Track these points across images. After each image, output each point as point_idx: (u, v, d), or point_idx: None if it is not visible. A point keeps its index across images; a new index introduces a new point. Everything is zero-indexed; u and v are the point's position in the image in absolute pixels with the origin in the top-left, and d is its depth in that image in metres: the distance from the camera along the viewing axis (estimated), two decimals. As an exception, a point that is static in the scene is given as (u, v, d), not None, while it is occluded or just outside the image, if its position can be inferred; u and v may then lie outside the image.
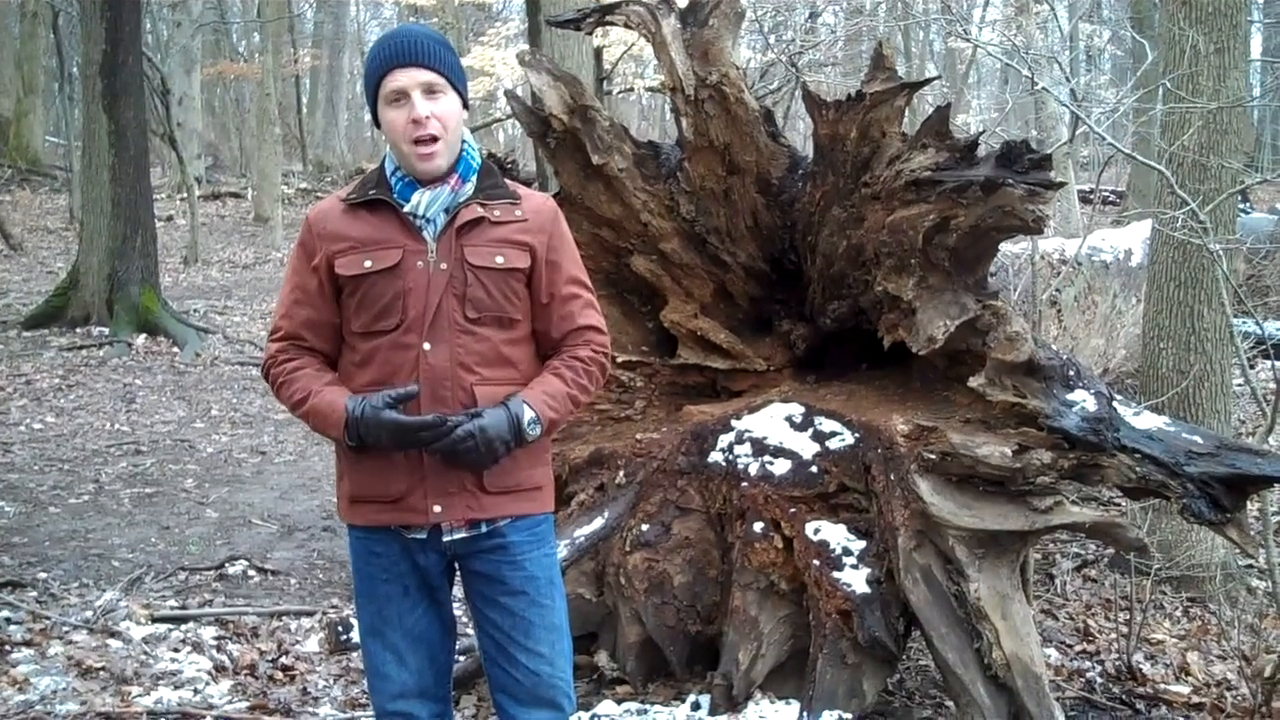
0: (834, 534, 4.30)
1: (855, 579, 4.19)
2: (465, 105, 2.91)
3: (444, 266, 2.82)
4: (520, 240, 2.89)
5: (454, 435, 2.71)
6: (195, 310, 15.38)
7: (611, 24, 5.07)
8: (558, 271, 2.94)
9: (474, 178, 2.91)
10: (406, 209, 2.85)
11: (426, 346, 2.80)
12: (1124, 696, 4.70)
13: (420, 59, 2.79)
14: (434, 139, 2.80)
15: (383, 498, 2.85)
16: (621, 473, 4.66)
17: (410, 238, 2.84)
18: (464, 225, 2.85)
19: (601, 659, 4.53)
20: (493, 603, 2.93)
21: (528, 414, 2.80)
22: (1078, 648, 5.22)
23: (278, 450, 9.11)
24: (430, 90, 2.80)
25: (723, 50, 4.70)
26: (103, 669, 4.73)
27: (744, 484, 4.47)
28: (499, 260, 2.85)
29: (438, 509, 2.83)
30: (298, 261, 2.93)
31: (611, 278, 5.09)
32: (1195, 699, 4.68)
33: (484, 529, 2.88)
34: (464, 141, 2.91)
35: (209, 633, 5.22)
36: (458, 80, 2.87)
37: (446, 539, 2.87)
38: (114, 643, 5.04)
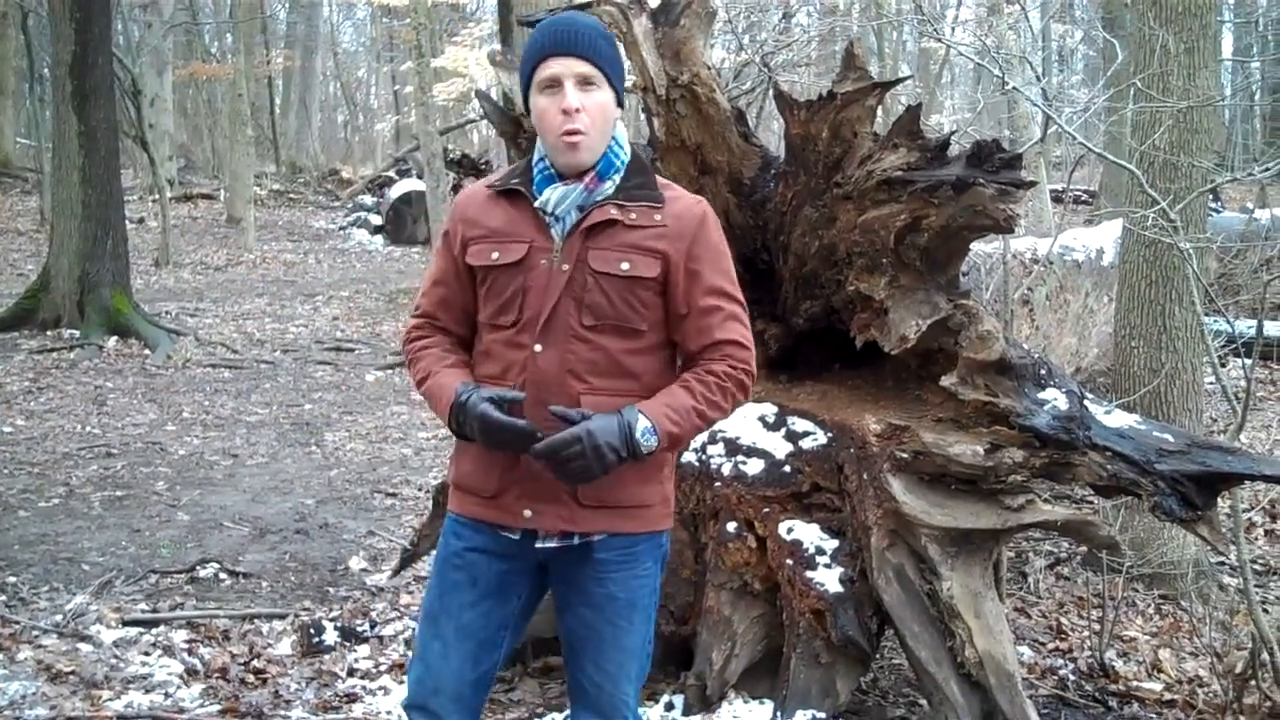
0: (807, 534, 4.30)
1: (828, 578, 4.19)
2: (620, 103, 2.81)
3: (565, 268, 2.73)
4: (653, 248, 2.75)
5: (559, 438, 2.59)
6: (167, 312, 15.30)
7: (583, 23, 5.05)
8: (696, 281, 2.77)
9: (616, 177, 2.79)
10: (537, 204, 2.77)
11: (537, 349, 2.71)
12: (1097, 694, 4.72)
13: (578, 49, 2.71)
14: (581, 131, 2.71)
15: (480, 492, 2.81)
16: (595, 473, 4.65)
17: (540, 234, 2.76)
18: (593, 226, 2.75)
19: (575, 660, 4.51)
20: (570, 609, 2.87)
21: (641, 423, 2.64)
22: (1050, 645, 5.24)
23: (250, 453, 9.06)
24: (585, 81, 2.71)
25: (694, 50, 4.69)
26: (73, 673, 4.69)
27: (717, 484, 4.46)
28: (624, 267, 2.73)
29: (528, 514, 2.75)
30: (442, 242, 2.90)
31: (584, 278, 5.07)
32: (1167, 696, 4.71)
33: (576, 541, 2.79)
34: (612, 138, 2.80)
35: (180, 636, 5.19)
36: (614, 75, 2.77)
37: (539, 545, 2.79)
38: (84, 647, 5.01)
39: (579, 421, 2.61)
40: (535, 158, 2.83)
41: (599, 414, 2.64)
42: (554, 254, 2.74)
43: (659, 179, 2.89)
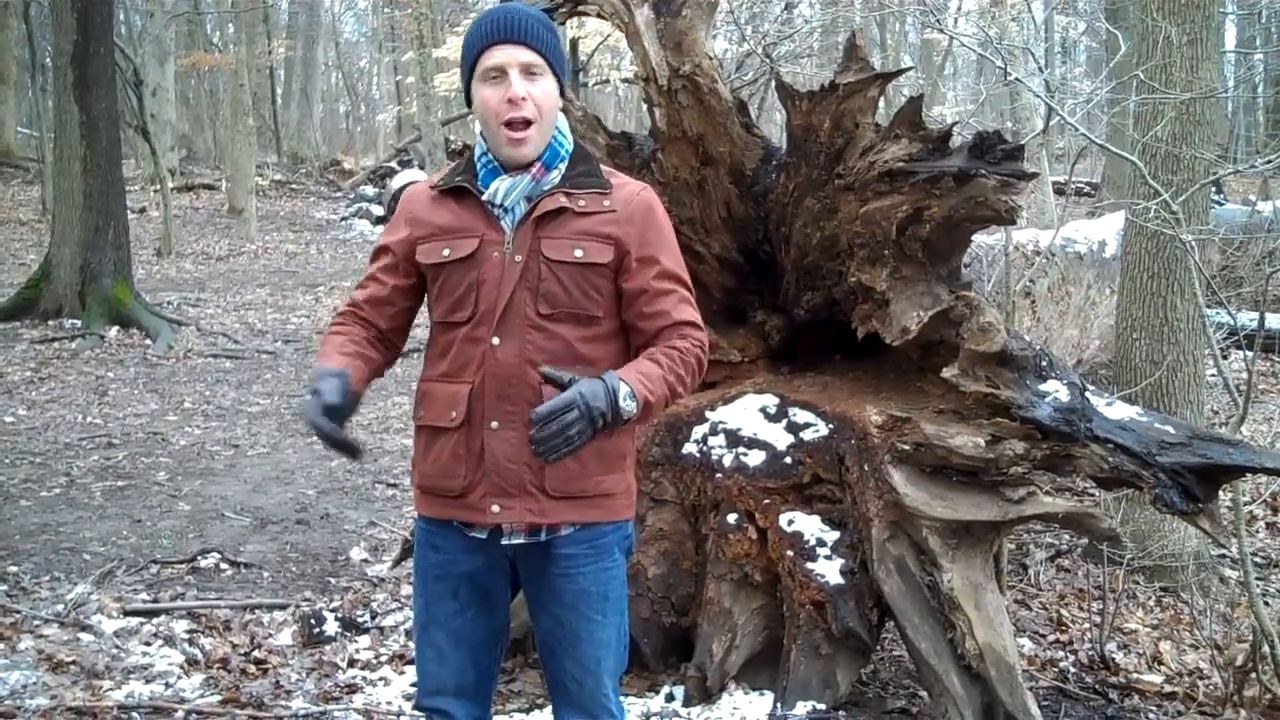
0: (808, 525, 4.30)
1: (829, 570, 4.19)
2: (563, 92, 2.79)
3: (518, 258, 2.71)
4: (604, 233, 2.74)
5: (556, 402, 2.50)
6: (168, 302, 15.28)
7: (585, 14, 5.05)
8: (649, 265, 2.77)
9: (561, 165, 2.78)
10: (485, 196, 2.75)
11: (495, 341, 2.68)
12: (1097, 686, 4.71)
13: (522, 37, 2.68)
14: (527, 122, 2.69)
15: (446, 492, 2.76)
16: (595, 464, 4.65)
17: (489, 227, 2.74)
18: (543, 215, 2.72)
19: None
20: (543, 609, 2.84)
21: (623, 388, 2.57)
22: (1051, 637, 5.23)
23: (251, 443, 9.07)
24: (529, 71, 2.69)
25: (696, 41, 4.68)
26: (74, 663, 4.69)
27: (718, 475, 4.46)
28: (577, 253, 2.71)
29: (495, 509, 2.71)
30: (383, 239, 2.88)
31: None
32: (1168, 688, 4.70)
33: (544, 536, 2.76)
34: (556, 128, 2.78)
35: (181, 626, 5.19)
36: (558, 64, 2.75)
37: (505, 542, 2.76)
38: (85, 636, 5.01)
39: (568, 384, 2.55)
40: (478, 153, 2.81)
41: (584, 377, 2.57)
42: (505, 245, 2.72)
43: (603, 167, 2.88)
